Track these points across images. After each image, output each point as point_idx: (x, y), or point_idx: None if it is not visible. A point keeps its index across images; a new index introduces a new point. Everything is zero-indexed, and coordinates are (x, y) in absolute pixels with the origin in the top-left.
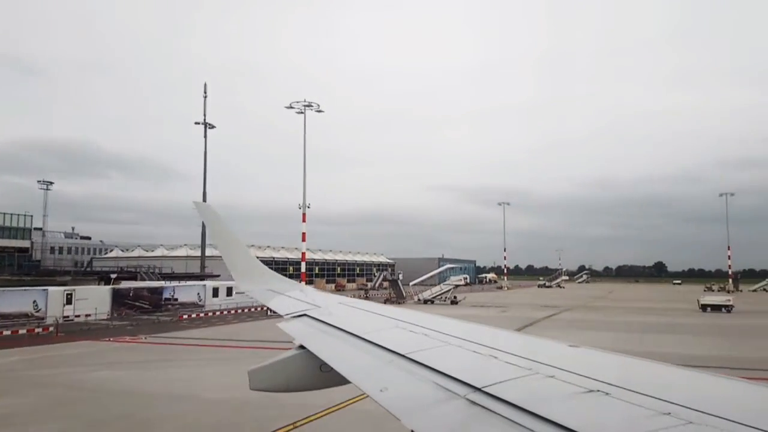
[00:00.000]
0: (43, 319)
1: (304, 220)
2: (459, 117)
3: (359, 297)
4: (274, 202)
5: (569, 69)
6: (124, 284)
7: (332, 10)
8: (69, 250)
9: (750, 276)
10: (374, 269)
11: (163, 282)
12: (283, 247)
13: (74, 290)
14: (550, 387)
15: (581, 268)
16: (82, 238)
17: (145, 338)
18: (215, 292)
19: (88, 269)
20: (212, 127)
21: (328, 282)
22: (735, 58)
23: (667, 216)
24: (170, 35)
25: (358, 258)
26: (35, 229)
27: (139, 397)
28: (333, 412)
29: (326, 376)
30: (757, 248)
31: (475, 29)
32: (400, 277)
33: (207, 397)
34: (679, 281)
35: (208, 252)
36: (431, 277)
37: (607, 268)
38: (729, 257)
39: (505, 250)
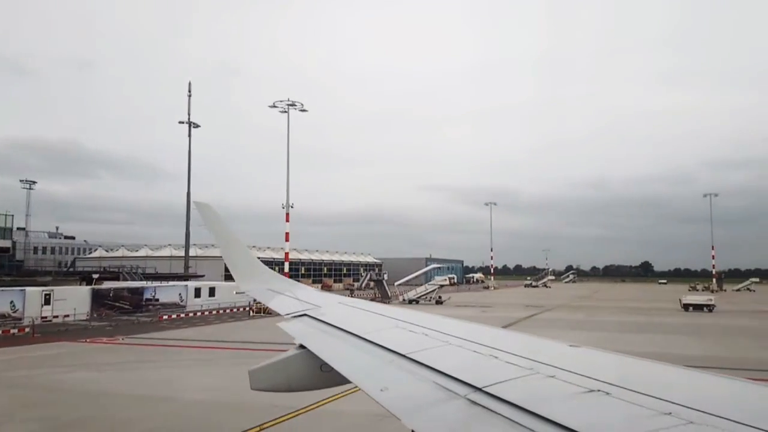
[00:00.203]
0: (20, 319)
1: (287, 220)
2: (454, 117)
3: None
4: (265, 201)
5: (563, 71)
6: (106, 284)
7: (330, 10)
8: (53, 250)
9: (735, 276)
10: (361, 269)
11: (144, 282)
12: (268, 247)
13: (53, 290)
14: (551, 387)
15: (569, 268)
16: (66, 237)
17: (123, 339)
18: (197, 293)
19: (71, 269)
20: (196, 126)
21: (314, 282)
22: (724, 60)
23: (655, 216)
24: (162, 35)
25: (345, 258)
26: (18, 228)
27: (112, 399)
28: (301, 413)
29: (327, 376)
30: (742, 248)
31: (473, 30)
32: (385, 277)
33: (181, 398)
34: (664, 281)
35: (192, 252)
36: (416, 277)
37: (594, 268)
38: (713, 257)
39: (492, 250)
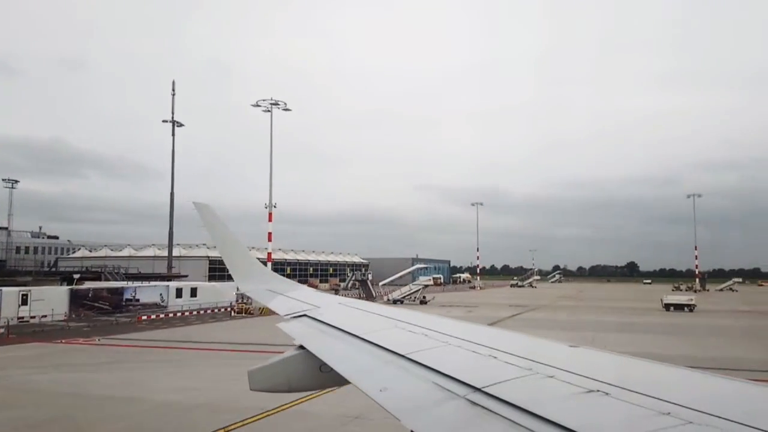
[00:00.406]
0: None
1: (270, 220)
2: (444, 118)
3: None
4: (256, 200)
5: (555, 73)
6: (89, 285)
7: (325, 9)
8: (35, 250)
9: (719, 276)
10: (348, 269)
11: (124, 282)
12: (253, 247)
13: (30, 291)
14: (550, 387)
15: (555, 268)
16: (50, 237)
17: (99, 340)
18: (179, 293)
19: (53, 269)
20: (180, 125)
21: (299, 282)
22: (711, 62)
23: (642, 217)
24: (152, 33)
25: (332, 258)
26: (0, 228)
27: (82, 399)
28: (271, 414)
29: (326, 377)
30: (728, 249)
31: (466, 31)
32: (369, 277)
33: (150, 399)
34: (649, 281)
35: (176, 252)
36: (401, 276)
37: (581, 268)
38: (696, 257)
39: (478, 250)
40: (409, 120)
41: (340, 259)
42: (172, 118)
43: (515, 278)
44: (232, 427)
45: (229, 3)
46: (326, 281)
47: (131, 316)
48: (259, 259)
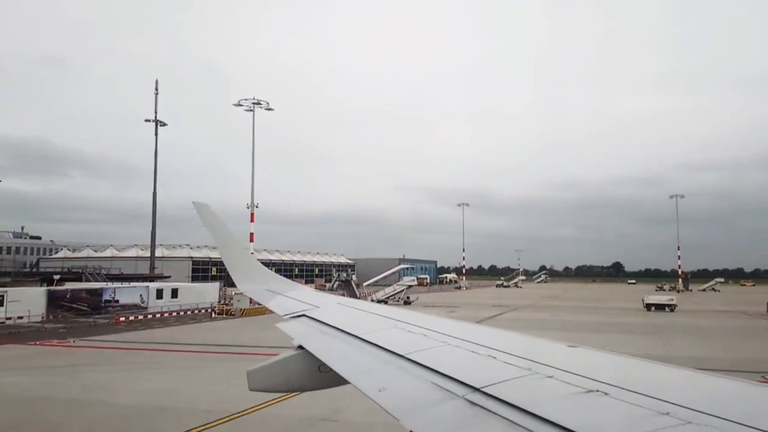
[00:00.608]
0: None
1: (252, 220)
2: (432, 118)
3: None
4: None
5: (542, 75)
6: (67, 285)
7: (313, 10)
8: (17, 250)
9: (703, 276)
10: (334, 270)
11: (103, 283)
12: None
13: (6, 292)
14: (549, 387)
15: (542, 268)
16: (32, 237)
17: (74, 342)
18: (159, 294)
19: (34, 270)
20: (163, 124)
21: None
22: (695, 64)
23: (627, 218)
24: (141, 31)
25: (317, 258)
26: None
27: (45, 403)
28: (235, 418)
29: (325, 377)
30: (712, 249)
31: (460, 31)
32: (353, 277)
33: (114, 402)
34: (633, 281)
35: (159, 253)
36: (385, 277)
37: (567, 268)
38: (679, 257)
39: (464, 251)
40: (398, 120)
41: (325, 259)
42: (155, 117)
43: (502, 278)
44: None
45: (218, 1)
46: (312, 282)
47: (110, 318)
48: None
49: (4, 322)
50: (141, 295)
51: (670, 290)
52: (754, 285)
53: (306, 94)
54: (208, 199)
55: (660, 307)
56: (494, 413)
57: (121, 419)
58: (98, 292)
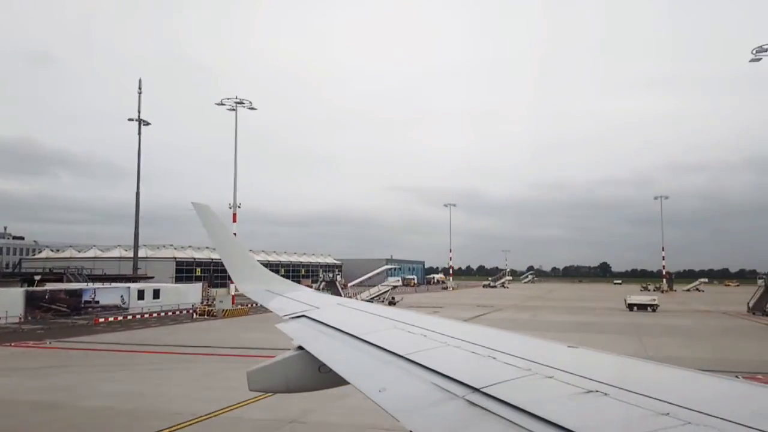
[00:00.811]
0: None
1: (234, 221)
2: (421, 119)
3: None
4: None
5: (528, 75)
6: (49, 286)
7: (303, 9)
8: (0, 250)
9: (689, 276)
10: (320, 270)
11: (83, 284)
12: (207, 247)
13: None
14: (549, 387)
15: (530, 269)
16: (15, 238)
17: (50, 343)
18: (140, 295)
19: (16, 270)
20: (147, 123)
21: None
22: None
23: (615, 218)
24: (129, 29)
25: (304, 259)
26: None
27: (7, 406)
28: (202, 420)
29: (325, 377)
30: (698, 249)
31: (443, 33)
32: (338, 278)
33: (77, 405)
34: (619, 281)
35: (142, 253)
36: (370, 278)
37: (554, 269)
38: (663, 258)
39: (450, 251)
40: (388, 121)
41: (312, 260)
42: (138, 116)
43: (489, 279)
44: None
45: (209, 1)
46: (298, 282)
47: (89, 319)
48: (215, 260)
49: None
50: (122, 296)
51: (654, 290)
52: (738, 285)
53: (296, 95)
54: (198, 199)
55: (642, 307)
56: (494, 413)
57: (83, 422)
58: (78, 293)
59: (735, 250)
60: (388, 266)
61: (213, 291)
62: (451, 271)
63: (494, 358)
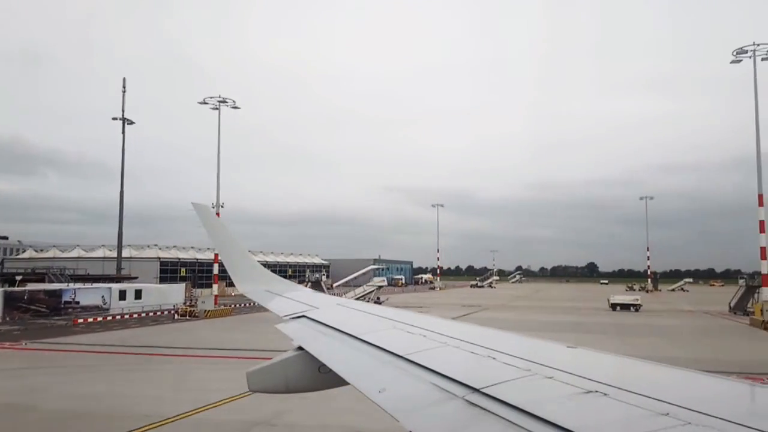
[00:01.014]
0: None
1: None
2: (410, 118)
3: None
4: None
5: (516, 74)
6: (28, 287)
7: (296, 10)
8: None
9: (675, 276)
10: (308, 271)
11: (63, 284)
12: (192, 247)
13: None
14: (549, 388)
15: (518, 269)
16: None
17: (26, 344)
18: (122, 295)
19: None
20: (131, 122)
21: None
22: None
23: (602, 218)
24: (118, 28)
25: (291, 259)
26: None
27: None
28: (169, 422)
29: (324, 377)
30: (684, 249)
31: (434, 31)
32: (324, 278)
33: (42, 407)
34: (606, 281)
35: (126, 253)
36: (356, 278)
37: (542, 269)
38: (648, 258)
39: (438, 251)
40: (379, 121)
41: (300, 260)
42: (123, 115)
43: (477, 279)
44: None
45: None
46: None
47: (68, 319)
48: (200, 260)
49: None
50: (103, 297)
51: (639, 290)
52: (722, 285)
53: (292, 94)
54: (191, 198)
55: (625, 306)
56: (494, 414)
57: (42, 426)
58: (57, 293)
59: (721, 250)
60: (374, 266)
61: (198, 291)
62: (438, 271)
63: (494, 358)
